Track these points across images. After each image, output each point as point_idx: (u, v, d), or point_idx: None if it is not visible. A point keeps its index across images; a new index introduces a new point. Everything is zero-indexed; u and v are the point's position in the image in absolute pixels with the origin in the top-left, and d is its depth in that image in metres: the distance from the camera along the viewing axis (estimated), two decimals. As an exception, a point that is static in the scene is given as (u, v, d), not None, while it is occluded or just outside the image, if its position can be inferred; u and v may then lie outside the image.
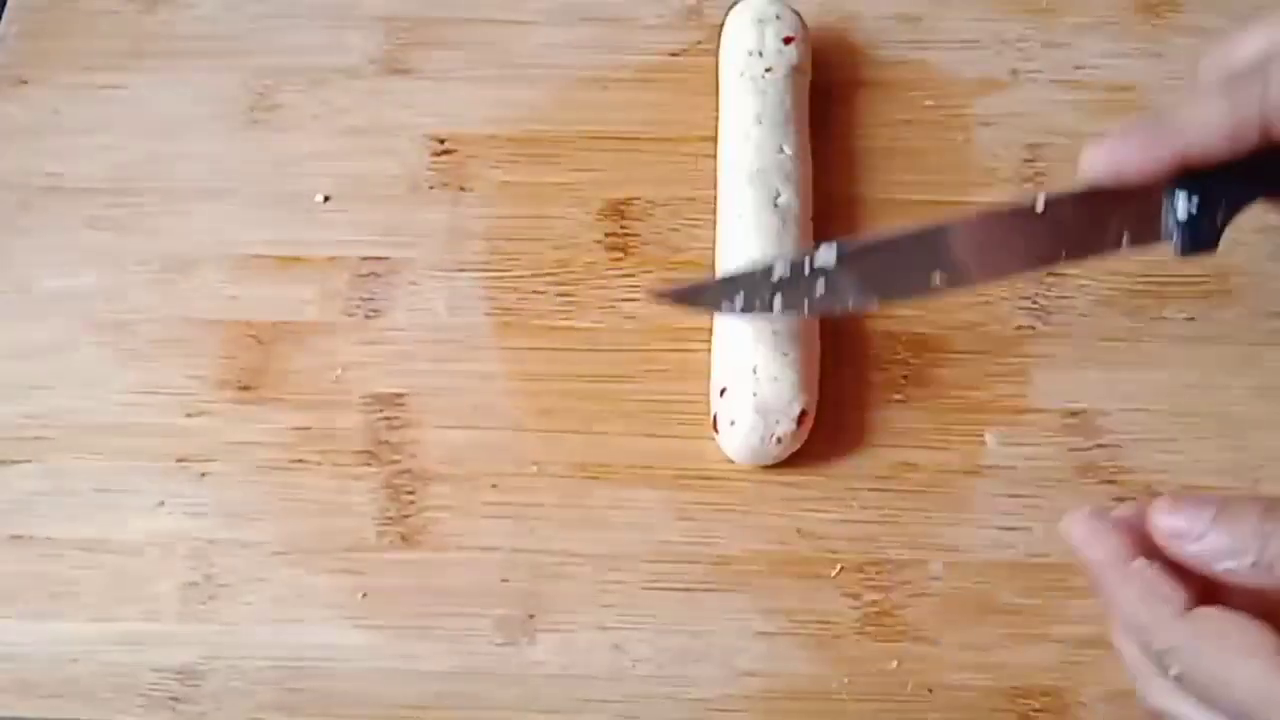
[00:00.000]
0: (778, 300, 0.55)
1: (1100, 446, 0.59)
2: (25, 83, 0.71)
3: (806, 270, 0.54)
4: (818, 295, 0.54)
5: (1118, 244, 0.53)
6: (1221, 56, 0.50)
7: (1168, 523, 0.44)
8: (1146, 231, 0.52)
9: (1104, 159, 0.49)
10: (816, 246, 0.55)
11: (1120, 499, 0.58)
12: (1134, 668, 0.47)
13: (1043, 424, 0.60)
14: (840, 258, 0.54)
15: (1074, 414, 0.60)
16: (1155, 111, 0.49)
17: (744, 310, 0.55)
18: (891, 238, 0.54)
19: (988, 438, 0.59)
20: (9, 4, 0.73)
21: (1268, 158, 0.49)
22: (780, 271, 0.55)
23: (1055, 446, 0.59)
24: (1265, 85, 0.47)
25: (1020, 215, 0.53)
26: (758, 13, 0.66)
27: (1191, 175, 0.49)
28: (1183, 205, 0.51)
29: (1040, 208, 0.52)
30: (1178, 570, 0.44)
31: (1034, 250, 0.54)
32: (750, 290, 0.55)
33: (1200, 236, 0.51)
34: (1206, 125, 0.48)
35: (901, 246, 0.54)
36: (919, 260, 0.54)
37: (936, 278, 0.54)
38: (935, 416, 0.60)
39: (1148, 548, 0.45)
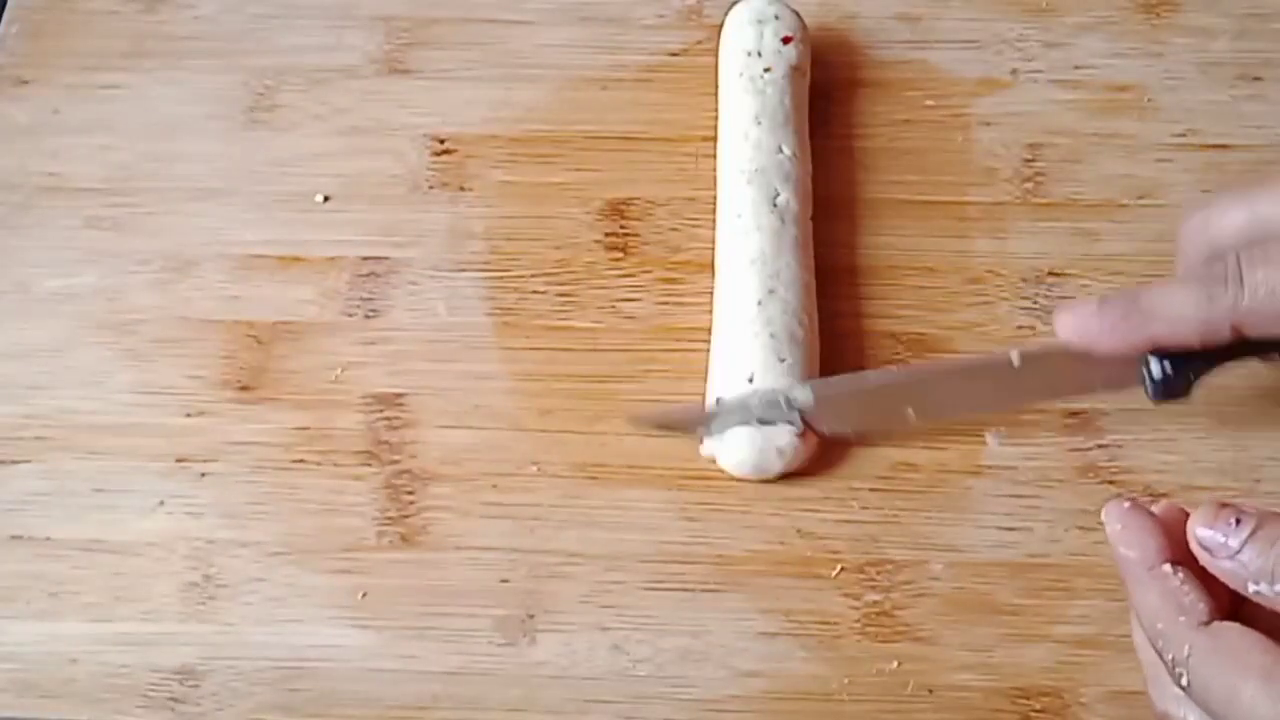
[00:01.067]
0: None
1: (1100, 446, 0.59)
2: (25, 83, 0.71)
3: (784, 407, 0.57)
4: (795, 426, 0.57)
5: (1091, 392, 0.56)
6: (1203, 226, 0.52)
7: (1203, 534, 0.44)
8: (1120, 382, 0.54)
9: (1077, 331, 0.52)
10: (792, 387, 0.57)
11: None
12: (1147, 668, 0.47)
13: (1043, 424, 0.60)
14: (817, 399, 0.57)
15: (1074, 414, 0.60)
16: (1130, 292, 0.52)
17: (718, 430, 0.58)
18: (866, 385, 0.58)
19: (988, 438, 0.59)
20: (9, 4, 0.73)
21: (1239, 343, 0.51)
22: (759, 412, 0.57)
23: (1055, 446, 0.59)
24: (1240, 290, 0.49)
25: (995, 367, 0.55)
26: (757, 13, 0.66)
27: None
28: (1156, 367, 0.53)
29: (1016, 363, 0.55)
30: (1207, 578, 0.44)
31: (1007, 396, 0.57)
32: (728, 420, 0.57)
33: (1173, 390, 0.53)
34: (1180, 319, 0.50)
35: (876, 393, 0.58)
36: (893, 402, 0.57)
37: (909, 415, 0.57)
38: (935, 416, 0.60)
39: (1182, 552, 0.44)
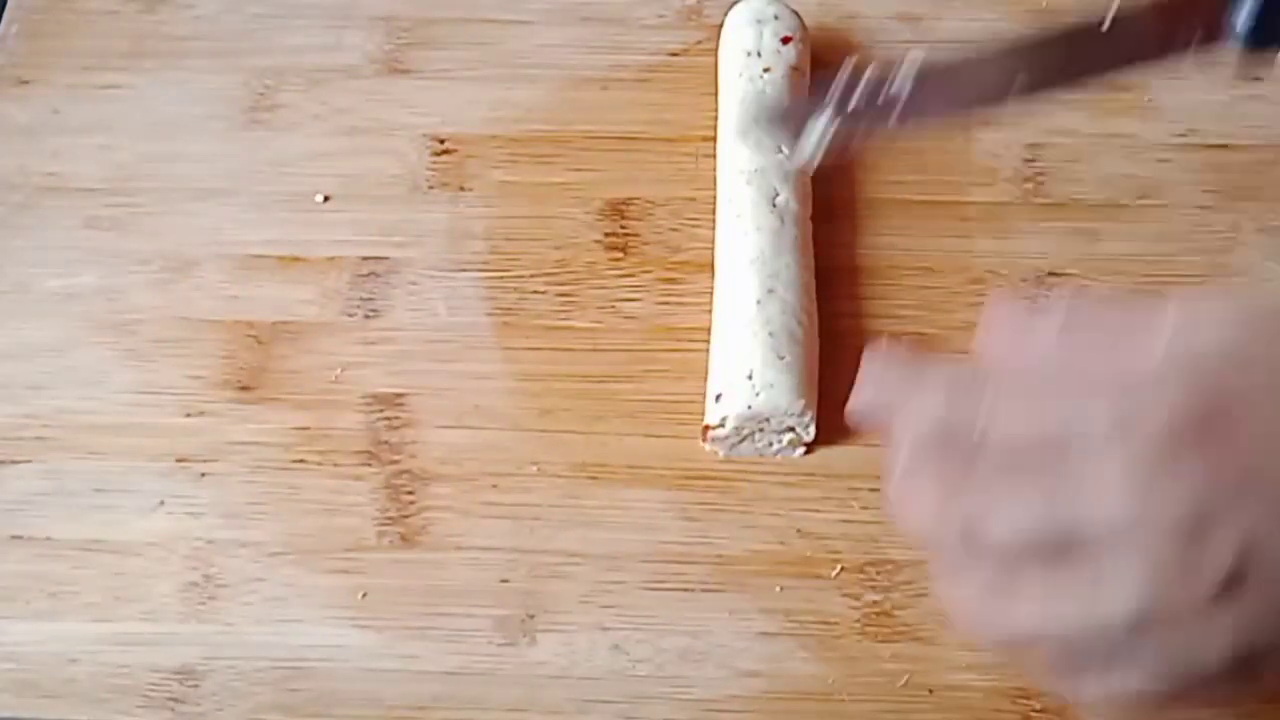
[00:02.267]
0: (863, 115, 0.52)
1: (1100, 446, 0.59)
2: (25, 83, 0.71)
3: (888, 88, 0.52)
4: (898, 111, 0.52)
5: (1185, 51, 0.52)
6: None
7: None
8: (1211, 34, 0.51)
9: None
10: (900, 64, 0.53)
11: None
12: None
13: (1043, 424, 0.60)
14: (920, 76, 0.52)
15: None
16: None
17: (834, 122, 0.53)
18: (965, 59, 0.53)
19: (988, 437, 0.59)
20: (9, 4, 0.73)
21: None
22: (862, 89, 0.52)
23: (1055, 446, 0.59)
24: None
25: (1089, 31, 0.52)
26: (756, 13, 0.66)
27: None
28: (1249, 5, 0.49)
29: (1106, 27, 0.52)
30: None
31: (1104, 62, 0.53)
32: (834, 105, 0.53)
33: (1267, 34, 0.50)
34: None
35: (975, 66, 0.53)
36: (993, 77, 0.53)
37: (1013, 89, 0.53)
38: (935, 416, 0.60)
39: None
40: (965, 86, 0.54)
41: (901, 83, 0.53)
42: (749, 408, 0.57)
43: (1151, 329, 0.41)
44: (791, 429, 0.58)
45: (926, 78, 0.53)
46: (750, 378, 0.58)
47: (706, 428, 0.58)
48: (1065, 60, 0.53)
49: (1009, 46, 0.53)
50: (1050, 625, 0.39)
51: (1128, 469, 0.38)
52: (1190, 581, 0.37)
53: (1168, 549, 0.37)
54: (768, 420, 0.58)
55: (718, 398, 0.58)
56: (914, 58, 0.52)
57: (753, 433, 0.58)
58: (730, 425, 0.58)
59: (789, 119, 0.55)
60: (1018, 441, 0.40)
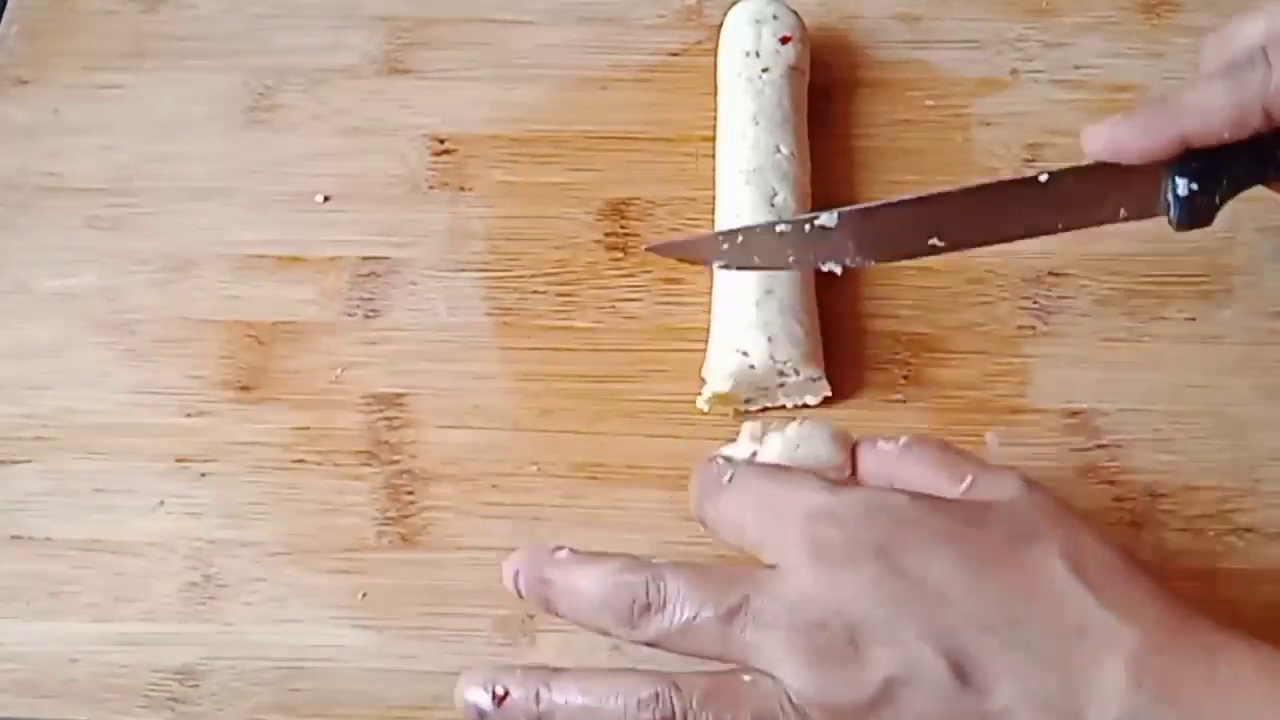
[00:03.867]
0: (776, 255, 0.55)
1: (1100, 446, 0.59)
2: (25, 83, 0.71)
3: (807, 229, 0.54)
4: (816, 252, 0.54)
5: (1115, 218, 0.53)
6: (1221, 41, 0.51)
7: None
8: (1145, 206, 0.53)
9: (1105, 138, 0.50)
10: (818, 214, 0.54)
11: (1120, 499, 0.58)
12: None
13: (1043, 424, 0.60)
14: (841, 219, 0.54)
15: (1074, 414, 0.60)
16: (1158, 96, 0.50)
17: (738, 265, 0.55)
18: (893, 203, 0.54)
19: (988, 438, 0.59)
20: (9, 4, 0.73)
21: (1269, 141, 0.50)
22: (782, 228, 0.54)
23: (1055, 446, 0.59)
24: (1268, 70, 0.48)
25: (1022, 186, 0.53)
26: (755, 13, 0.66)
27: (1192, 155, 0.50)
28: (1182, 184, 0.51)
29: (1044, 180, 0.53)
30: None
31: (1032, 219, 0.54)
32: (748, 245, 0.55)
33: (1198, 212, 0.52)
34: (1209, 109, 0.49)
35: (903, 213, 0.54)
36: (919, 225, 0.54)
37: (935, 241, 0.54)
38: (935, 416, 0.60)
39: None
40: (892, 233, 0.55)
41: (826, 220, 0.54)
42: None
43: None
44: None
45: (851, 221, 0.54)
46: (753, 369, 0.58)
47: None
48: (1000, 211, 0.54)
49: (943, 196, 0.54)
50: None
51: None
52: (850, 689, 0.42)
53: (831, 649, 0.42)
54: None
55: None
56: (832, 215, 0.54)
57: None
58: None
59: (704, 247, 0.57)
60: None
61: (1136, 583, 0.44)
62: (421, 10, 0.72)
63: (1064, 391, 0.60)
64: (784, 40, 0.66)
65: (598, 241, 0.65)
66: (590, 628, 0.46)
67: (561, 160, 0.67)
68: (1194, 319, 0.62)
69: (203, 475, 0.60)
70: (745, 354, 0.58)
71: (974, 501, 0.46)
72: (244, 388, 0.62)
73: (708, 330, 0.61)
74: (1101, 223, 0.54)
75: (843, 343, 0.61)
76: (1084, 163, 0.52)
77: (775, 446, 0.54)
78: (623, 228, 0.65)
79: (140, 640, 0.56)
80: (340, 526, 0.58)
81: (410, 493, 0.59)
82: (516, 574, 0.47)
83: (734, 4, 0.67)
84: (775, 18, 0.66)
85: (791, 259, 0.54)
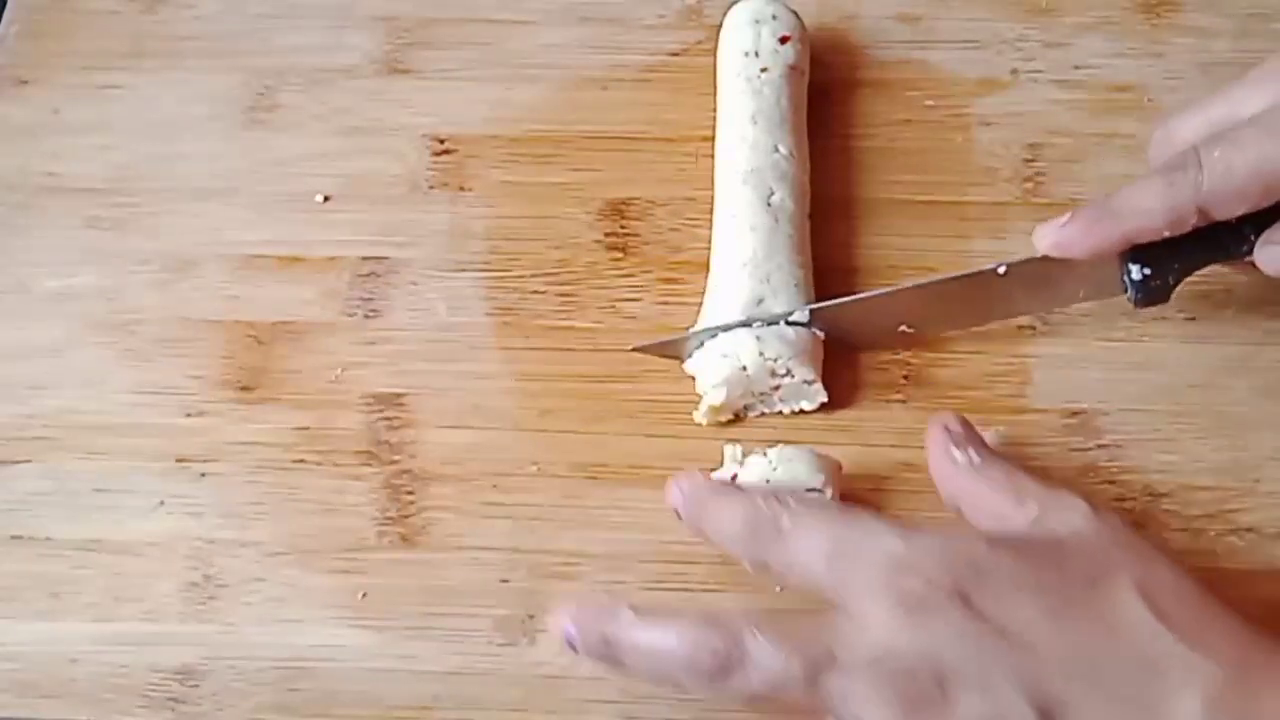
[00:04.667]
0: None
1: (1100, 446, 0.59)
2: (25, 83, 0.71)
3: (781, 323, 0.58)
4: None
5: (1075, 299, 0.58)
6: (1165, 136, 0.55)
7: None
8: (1103, 289, 0.57)
9: (1052, 240, 0.54)
10: (790, 311, 0.59)
11: (1120, 499, 0.58)
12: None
13: (1043, 424, 0.60)
14: (812, 315, 0.59)
15: (1074, 414, 0.60)
16: (1099, 198, 0.54)
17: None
18: (862, 299, 0.59)
19: (988, 438, 0.59)
20: (9, 4, 0.73)
21: (1216, 227, 0.53)
22: (758, 324, 0.58)
23: (1055, 446, 0.59)
24: (1199, 172, 0.51)
25: (983, 277, 0.58)
26: (754, 13, 0.66)
27: (1142, 247, 0.54)
28: (1135, 269, 0.55)
29: (1002, 271, 0.57)
30: None
31: (996, 306, 0.59)
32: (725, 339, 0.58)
33: (1153, 293, 0.56)
34: (1147, 211, 0.53)
35: (871, 307, 0.59)
36: (887, 317, 0.59)
37: (904, 328, 0.59)
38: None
39: None
40: (862, 326, 0.60)
41: (799, 315, 0.59)
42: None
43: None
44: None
45: (822, 317, 0.59)
46: (745, 371, 0.58)
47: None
48: (965, 301, 0.59)
49: (903, 291, 0.59)
50: None
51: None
52: None
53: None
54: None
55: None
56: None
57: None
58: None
59: (683, 345, 0.60)
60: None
61: (1210, 613, 0.44)
62: (421, 10, 0.72)
63: (1064, 391, 0.60)
64: (783, 40, 0.66)
65: (598, 241, 0.65)
66: (663, 684, 0.47)
67: (561, 160, 0.67)
68: (1194, 319, 0.62)
69: (203, 475, 0.60)
70: (734, 356, 0.58)
71: (1046, 540, 0.47)
72: (244, 388, 0.62)
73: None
74: (1062, 305, 0.59)
75: (843, 343, 0.61)
76: (1039, 255, 0.55)
77: (756, 469, 0.55)
78: (623, 228, 0.65)
79: (140, 640, 0.56)
80: (340, 526, 0.58)
81: (410, 493, 0.59)
82: (570, 632, 0.47)
83: (733, 4, 0.67)
84: (774, 18, 0.66)
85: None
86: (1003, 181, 0.66)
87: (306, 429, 0.60)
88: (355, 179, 0.67)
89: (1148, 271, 0.55)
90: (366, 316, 0.63)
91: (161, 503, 0.59)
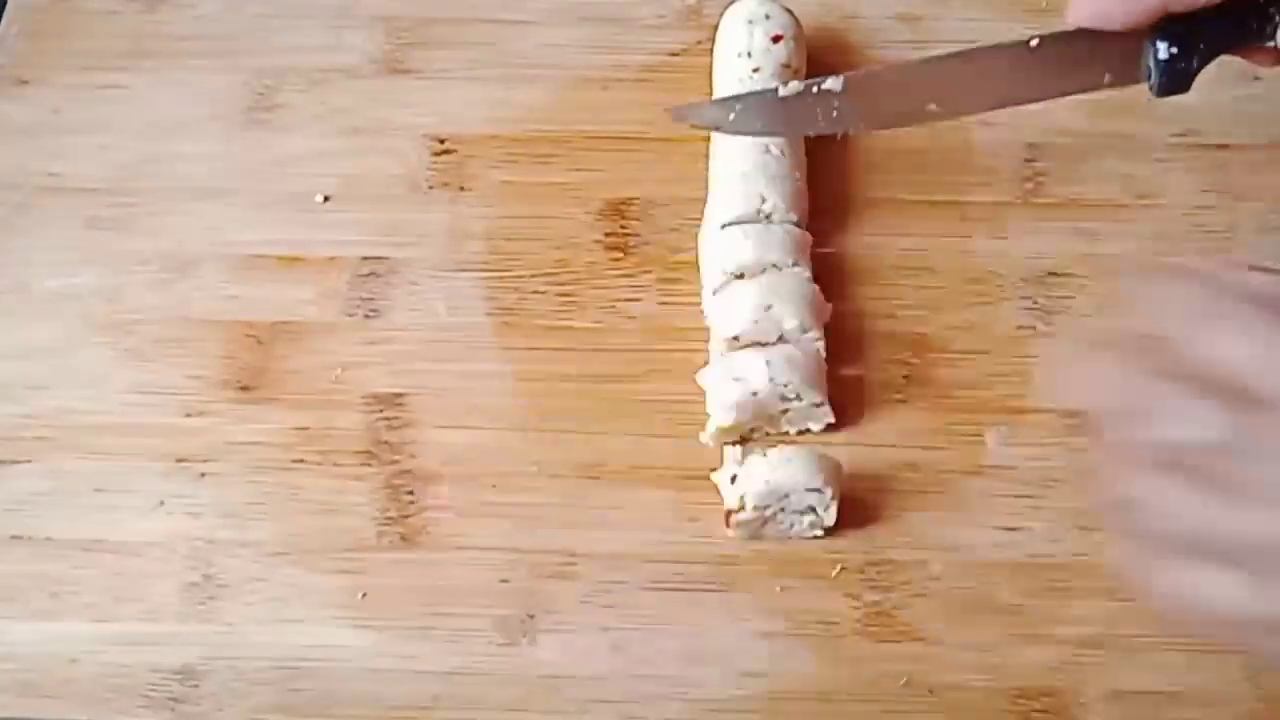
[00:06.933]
0: (781, 118, 0.58)
1: (1100, 446, 0.59)
2: (25, 83, 0.71)
3: (814, 91, 0.57)
4: (821, 118, 0.57)
5: (1100, 83, 0.57)
6: None
7: None
8: (1127, 72, 0.56)
9: (1091, 9, 0.54)
10: (824, 78, 0.57)
11: (1120, 499, 0.58)
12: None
13: (1043, 424, 0.60)
14: (846, 84, 0.57)
15: (1074, 414, 0.60)
16: None
17: (745, 128, 0.58)
18: (894, 67, 0.59)
19: (988, 438, 0.59)
20: (9, 4, 0.73)
21: (1242, 9, 0.54)
22: (786, 91, 0.57)
23: (1055, 446, 0.59)
24: None
25: (1014, 51, 0.57)
26: (748, 14, 0.66)
27: (1171, 22, 0.54)
28: (1163, 49, 0.55)
29: (1034, 44, 0.56)
30: None
31: (1023, 84, 0.58)
32: (755, 107, 0.58)
33: (1176, 79, 0.56)
34: None
35: (903, 76, 0.58)
36: (918, 90, 0.58)
37: (933, 106, 0.57)
38: (935, 416, 0.60)
39: None
40: (892, 98, 0.58)
41: (828, 87, 0.57)
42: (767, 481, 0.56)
43: None
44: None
45: (854, 84, 0.57)
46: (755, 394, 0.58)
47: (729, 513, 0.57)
48: (994, 76, 0.58)
49: (939, 60, 0.58)
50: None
51: None
52: None
53: None
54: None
55: (733, 479, 0.57)
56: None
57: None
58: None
59: (712, 110, 0.60)
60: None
61: None
62: (421, 10, 0.72)
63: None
64: (775, 39, 0.65)
65: (598, 241, 0.65)
66: None
67: (561, 160, 0.67)
68: (1194, 319, 0.62)
69: (203, 475, 0.60)
70: (744, 380, 0.58)
71: None
72: (244, 388, 0.62)
73: (707, 330, 0.61)
74: (1087, 88, 0.57)
75: (843, 343, 0.61)
76: (1069, 30, 0.55)
77: (756, 469, 0.55)
78: (623, 228, 0.65)
79: (140, 640, 0.56)
80: (340, 526, 0.58)
81: (410, 493, 0.59)
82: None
83: (730, 4, 0.67)
84: (768, 17, 0.66)
85: (795, 125, 0.58)
86: (1003, 181, 0.66)
87: (306, 429, 0.60)
88: (355, 179, 0.67)
89: (1174, 51, 0.55)
90: (366, 316, 0.63)
91: (161, 503, 0.59)
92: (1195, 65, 0.55)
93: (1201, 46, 0.55)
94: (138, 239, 0.66)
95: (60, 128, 0.69)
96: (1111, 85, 0.57)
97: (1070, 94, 0.58)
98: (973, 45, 0.57)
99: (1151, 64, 0.55)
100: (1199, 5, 0.53)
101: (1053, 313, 0.62)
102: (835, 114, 0.57)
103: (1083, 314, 0.62)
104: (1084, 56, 0.56)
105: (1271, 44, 0.55)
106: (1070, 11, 0.54)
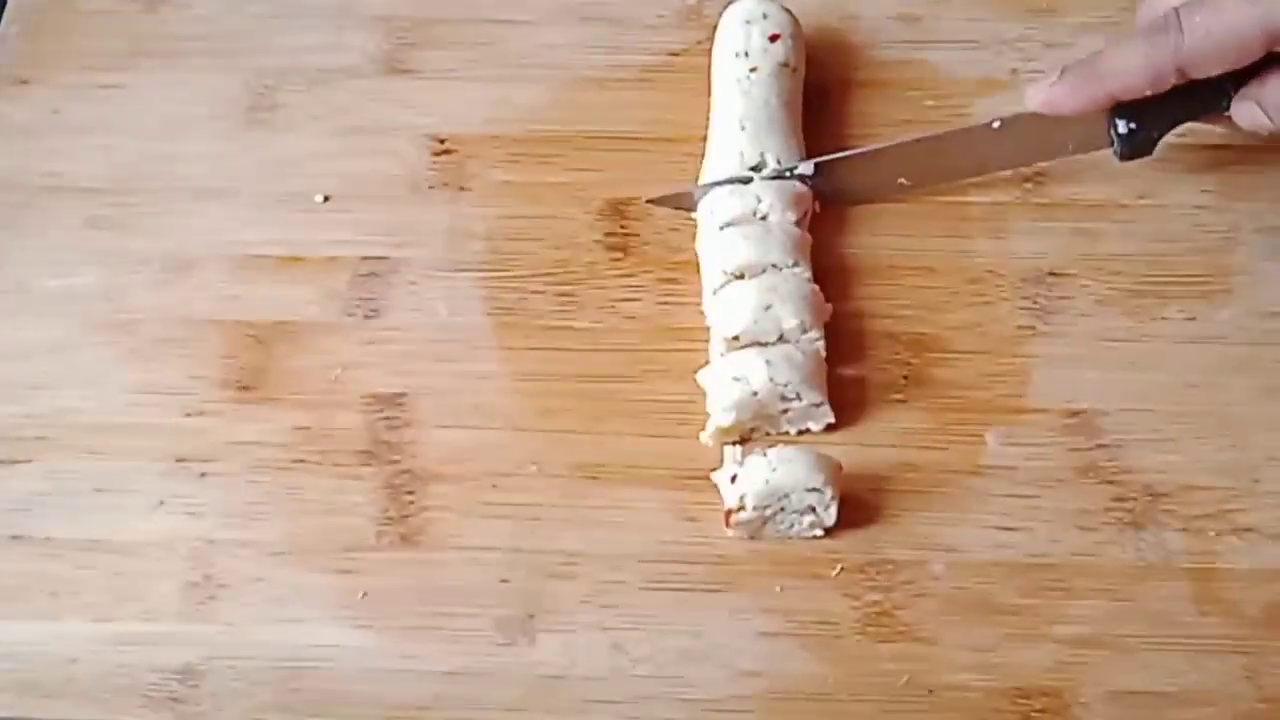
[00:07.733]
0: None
1: (1100, 446, 0.59)
2: (25, 83, 0.71)
3: (787, 176, 0.62)
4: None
5: (1065, 152, 0.62)
6: (1149, 6, 0.59)
7: None
8: (1091, 142, 0.61)
9: (1042, 98, 0.59)
10: (796, 164, 0.63)
11: (1120, 499, 0.58)
12: None
13: (1043, 424, 0.60)
14: (818, 168, 0.63)
15: (1074, 414, 0.60)
16: (1087, 57, 0.58)
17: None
18: (864, 151, 0.64)
19: (988, 438, 0.59)
20: (9, 4, 0.73)
21: (1198, 85, 0.57)
22: (761, 177, 0.61)
23: (1055, 446, 0.59)
24: (1179, 34, 0.55)
25: (979, 131, 0.62)
26: (746, 14, 0.66)
27: (1127, 102, 0.58)
28: (1122, 123, 0.59)
29: (996, 126, 0.61)
30: None
31: (990, 159, 0.64)
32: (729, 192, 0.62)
33: (1138, 147, 0.60)
34: (1130, 71, 0.57)
35: (873, 161, 0.64)
36: (888, 170, 0.63)
37: (903, 180, 0.63)
38: (935, 416, 0.60)
39: None
40: (863, 177, 0.64)
41: (804, 169, 0.63)
42: (767, 481, 0.56)
43: None
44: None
45: (826, 169, 0.63)
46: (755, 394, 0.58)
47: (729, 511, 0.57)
48: (961, 154, 0.63)
49: (901, 144, 0.63)
50: None
51: None
52: None
53: None
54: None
55: (733, 478, 0.57)
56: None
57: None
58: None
59: (691, 197, 0.64)
60: None
61: None
62: (421, 10, 0.72)
63: (1064, 391, 0.61)
64: (772, 38, 0.65)
65: (598, 241, 0.65)
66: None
67: (561, 160, 0.67)
68: (1194, 319, 0.62)
69: (203, 475, 0.60)
70: (744, 380, 0.58)
71: None
72: (244, 388, 0.62)
73: (707, 330, 0.61)
74: (1051, 158, 0.63)
75: (843, 343, 0.61)
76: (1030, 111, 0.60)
77: (756, 469, 0.55)
78: (623, 228, 0.65)
79: (140, 640, 0.56)
80: (340, 526, 0.58)
81: (410, 493, 0.59)
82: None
83: (729, 4, 0.67)
84: (765, 17, 0.66)
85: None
86: (1003, 181, 0.66)
87: (306, 429, 0.60)
88: (355, 179, 0.67)
89: (1133, 125, 0.59)
90: (366, 316, 0.63)
91: (161, 503, 0.59)
92: (1156, 135, 0.59)
93: (1160, 120, 0.59)
94: (138, 239, 0.66)
95: (60, 127, 0.69)
96: (1076, 153, 0.62)
97: (1035, 163, 0.64)
98: (936, 132, 0.63)
99: (1113, 135, 0.59)
100: (1145, 94, 0.57)
101: (1053, 313, 0.62)
102: (812, 186, 0.63)
103: (1082, 314, 0.62)
104: (1048, 131, 0.61)
105: (1227, 114, 0.59)
106: (1026, 100, 0.59)
